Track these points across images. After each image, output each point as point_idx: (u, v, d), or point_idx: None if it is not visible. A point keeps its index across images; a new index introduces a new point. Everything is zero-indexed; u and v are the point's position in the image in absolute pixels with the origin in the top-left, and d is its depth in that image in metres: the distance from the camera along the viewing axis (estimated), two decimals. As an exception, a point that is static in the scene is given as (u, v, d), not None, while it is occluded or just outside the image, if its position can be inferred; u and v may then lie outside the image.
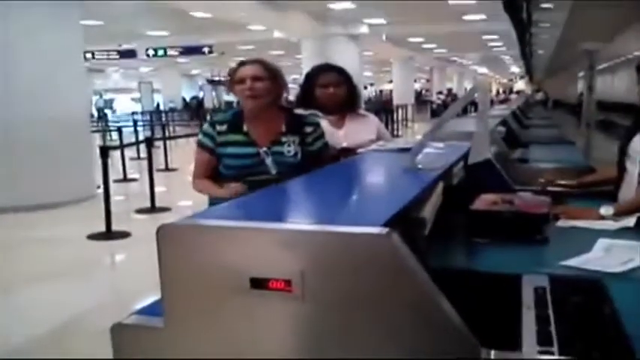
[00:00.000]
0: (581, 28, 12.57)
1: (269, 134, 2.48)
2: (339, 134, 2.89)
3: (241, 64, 2.52)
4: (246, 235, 1.12)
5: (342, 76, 2.97)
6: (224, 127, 2.50)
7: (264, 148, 2.45)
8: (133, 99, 32.24)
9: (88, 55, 18.88)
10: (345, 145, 2.83)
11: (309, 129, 2.57)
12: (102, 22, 14.51)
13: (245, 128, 2.49)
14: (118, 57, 21.86)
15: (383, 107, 21.17)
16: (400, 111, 21.55)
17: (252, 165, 2.44)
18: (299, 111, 2.83)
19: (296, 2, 12.54)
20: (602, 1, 8.50)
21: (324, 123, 2.87)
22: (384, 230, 1.04)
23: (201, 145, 2.53)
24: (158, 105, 29.97)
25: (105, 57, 21.63)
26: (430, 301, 1.02)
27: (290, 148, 2.48)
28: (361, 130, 2.95)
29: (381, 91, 43.55)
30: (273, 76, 2.49)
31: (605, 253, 1.68)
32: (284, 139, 2.49)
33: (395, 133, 17.42)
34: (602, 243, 1.76)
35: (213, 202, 2.51)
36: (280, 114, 2.55)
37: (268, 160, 2.44)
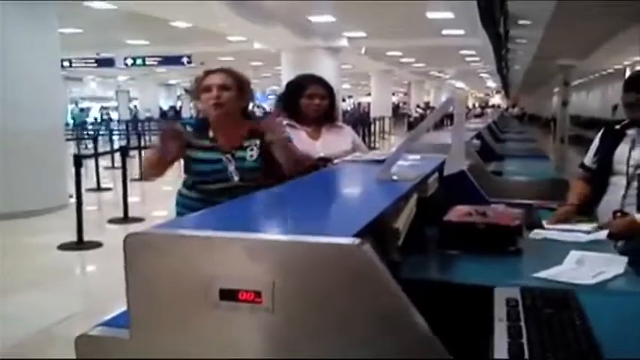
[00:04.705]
0: (556, 45, 12.80)
1: (233, 141, 2.49)
2: (316, 145, 2.91)
3: (208, 72, 2.52)
4: (216, 244, 1.10)
5: (326, 89, 3.01)
6: (191, 130, 2.51)
7: (228, 155, 2.46)
8: (108, 107, 31.87)
9: (66, 63, 18.71)
10: (322, 155, 2.84)
11: None
12: (81, 30, 14.39)
13: (211, 134, 2.50)
14: (95, 65, 21.66)
15: (360, 119, 21.25)
16: (378, 123, 21.67)
17: (216, 171, 2.45)
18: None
19: (276, 14, 12.56)
20: (577, 18, 8.66)
21: (301, 133, 2.88)
22: (356, 241, 1.03)
23: None
24: (135, 114, 29.71)
25: (82, 65, 21.43)
26: (401, 312, 1.01)
27: (252, 152, 2.50)
28: (337, 141, 2.98)
29: (359, 104, 43.78)
30: (239, 85, 2.50)
31: (577, 265, 1.69)
32: (246, 143, 2.51)
33: (372, 145, 17.49)
34: (574, 255, 1.77)
35: (181, 212, 2.50)
36: (244, 121, 2.56)
37: (231, 167, 2.45)
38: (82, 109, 26.34)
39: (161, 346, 1.12)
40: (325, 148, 2.89)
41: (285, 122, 2.86)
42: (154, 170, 2.46)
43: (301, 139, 2.84)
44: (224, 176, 2.44)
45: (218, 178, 2.45)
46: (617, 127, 2.66)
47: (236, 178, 2.44)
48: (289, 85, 3.08)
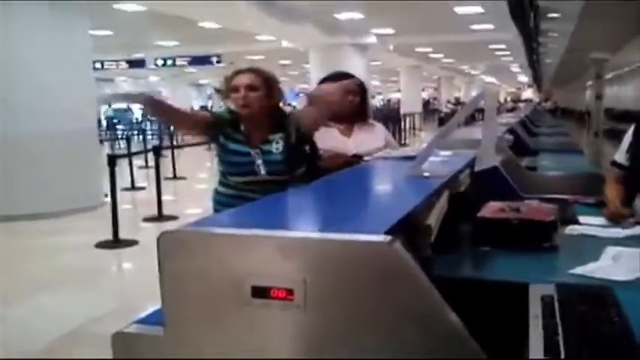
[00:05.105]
0: (588, 38, 12.56)
1: (261, 136, 2.54)
2: (348, 142, 2.90)
3: (237, 72, 2.54)
4: (248, 242, 1.10)
5: (359, 86, 3.01)
6: (228, 119, 2.56)
7: (256, 150, 2.51)
8: (125, 109, 32.31)
9: (97, 65, 19.02)
10: (355, 152, 2.84)
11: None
12: (111, 32, 14.63)
13: (242, 128, 2.54)
14: (127, 67, 21.99)
15: (390, 116, 21.11)
16: (408, 120, 21.52)
17: (245, 164, 2.50)
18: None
19: (304, 12, 12.58)
20: (608, 11, 8.49)
21: (334, 131, 2.89)
22: (387, 238, 1.02)
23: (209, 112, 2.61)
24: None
25: (114, 67, 21.76)
26: (434, 310, 1.01)
27: (278, 145, 2.53)
28: (369, 139, 2.97)
29: (389, 100, 43.54)
30: (268, 85, 2.52)
31: (613, 261, 1.66)
32: (271, 137, 2.54)
33: (402, 141, 17.39)
34: (610, 251, 1.74)
35: (217, 209, 2.53)
36: (271, 116, 2.57)
37: (259, 161, 2.49)
38: (125, 110, 26.86)
39: (194, 343, 1.13)
40: (358, 145, 2.88)
41: None
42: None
43: (334, 137, 2.85)
44: (252, 169, 2.49)
45: (247, 170, 2.50)
46: None
47: (263, 172, 2.48)
48: (322, 81, 3.08)
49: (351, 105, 2.95)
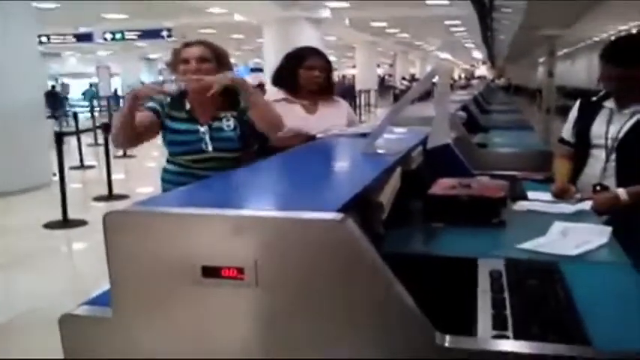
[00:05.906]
0: (541, 14, 12.75)
1: (210, 112, 2.47)
2: (312, 119, 2.88)
3: (186, 44, 2.48)
4: (198, 221, 1.08)
5: (325, 61, 2.99)
6: (169, 100, 2.49)
7: (205, 126, 2.44)
8: (91, 84, 31.39)
9: (44, 39, 18.39)
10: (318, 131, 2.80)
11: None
12: (58, 5, 14.11)
13: (187, 106, 2.47)
14: (74, 40, 21.33)
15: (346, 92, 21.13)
16: (363, 96, 21.58)
17: (190, 142, 2.43)
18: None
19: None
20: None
21: (297, 107, 2.86)
22: (339, 216, 1.02)
23: (147, 107, 2.45)
24: (116, 90, 29.30)
25: (61, 40, 21.08)
26: (384, 286, 1.01)
27: (229, 122, 2.47)
28: (333, 115, 2.96)
29: (344, 76, 43.49)
30: (218, 58, 2.46)
31: (560, 236, 1.70)
32: (222, 114, 2.49)
33: (358, 118, 17.44)
34: (558, 226, 1.78)
35: (166, 188, 2.48)
36: (222, 91, 2.48)
37: (206, 138, 2.43)
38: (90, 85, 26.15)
39: (143, 324, 1.11)
40: (321, 122, 2.84)
41: (281, 97, 2.85)
42: (121, 134, 2.38)
43: (296, 114, 2.82)
44: (197, 147, 2.43)
45: (191, 149, 2.43)
46: (594, 99, 2.63)
47: (210, 148, 2.42)
48: (287, 56, 3.03)
49: (318, 80, 2.93)
